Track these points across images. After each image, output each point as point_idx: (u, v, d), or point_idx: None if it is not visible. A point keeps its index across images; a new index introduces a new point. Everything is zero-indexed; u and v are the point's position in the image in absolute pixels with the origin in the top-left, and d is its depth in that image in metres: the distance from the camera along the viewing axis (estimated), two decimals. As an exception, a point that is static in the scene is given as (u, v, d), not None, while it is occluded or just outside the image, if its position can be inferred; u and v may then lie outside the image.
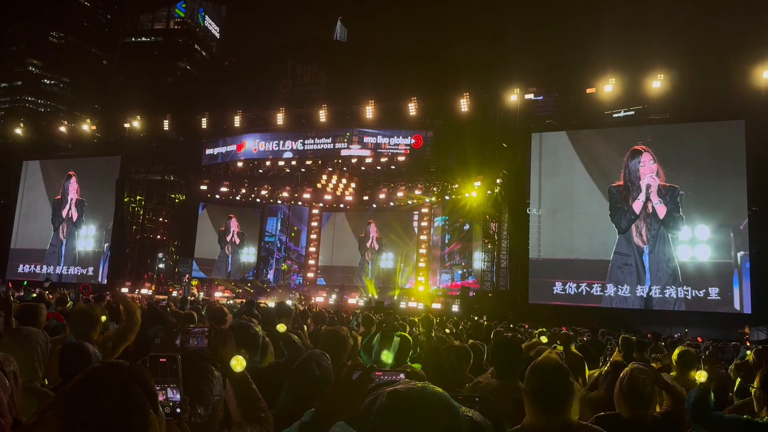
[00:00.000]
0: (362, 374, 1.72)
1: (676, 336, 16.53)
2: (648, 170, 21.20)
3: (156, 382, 1.53)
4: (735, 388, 4.85)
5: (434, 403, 1.18)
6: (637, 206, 21.19)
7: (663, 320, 20.13)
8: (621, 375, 3.38)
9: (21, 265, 31.49)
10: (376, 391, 1.24)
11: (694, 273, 20.26)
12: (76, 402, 1.23)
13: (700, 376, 3.51)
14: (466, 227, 29.96)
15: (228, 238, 34.62)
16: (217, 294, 28.00)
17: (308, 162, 28.69)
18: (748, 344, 14.94)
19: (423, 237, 32.73)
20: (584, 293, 21.43)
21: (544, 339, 6.58)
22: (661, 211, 20.88)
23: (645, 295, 20.66)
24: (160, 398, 1.52)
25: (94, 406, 1.22)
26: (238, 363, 2.11)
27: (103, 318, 4.77)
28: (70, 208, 31.07)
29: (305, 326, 6.87)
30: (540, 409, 2.50)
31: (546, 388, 2.51)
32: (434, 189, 30.13)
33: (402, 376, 1.62)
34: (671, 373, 4.95)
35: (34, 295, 11.53)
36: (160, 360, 1.61)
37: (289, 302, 16.86)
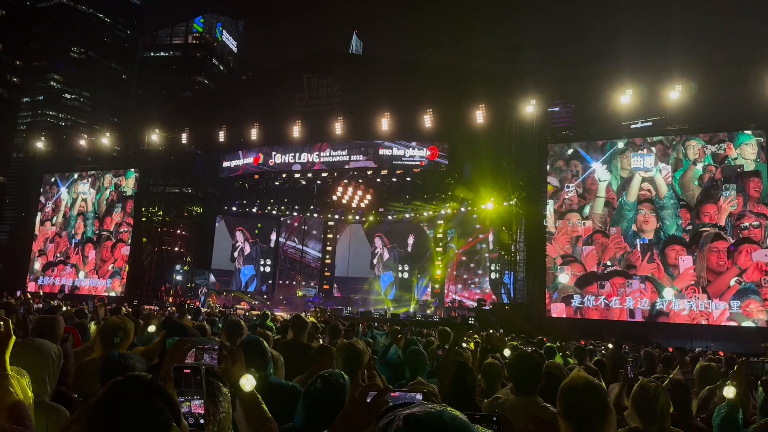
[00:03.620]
0: (377, 395, 1.66)
1: (697, 350, 16.22)
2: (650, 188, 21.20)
3: (179, 393, 1.54)
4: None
5: (452, 429, 1.10)
6: (650, 220, 20.97)
7: (684, 334, 19.77)
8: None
9: (41, 277, 31.88)
10: (391, 414, 1.16)
11: (716, 286, 19.89)
12: (98, 417, 1.24)
13: (729, 392, 3.39)
14: (480, 237, 29.77)
15: (237, 252, 34.80)
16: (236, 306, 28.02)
17: (324, 174, 28.78)
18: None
19: (438, 249, 32.60)
20: (603, 306, 21.14)
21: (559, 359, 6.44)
22: (667, 221, 20.66)
23: (665, 309, 20.32)
24: (184, 410, 1.50)
25: (116, 421, 1.23)
26: (247, 382, 2.05)
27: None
28: (89, 221, 31.39)
29: (319, 339, 6.81)
30: (573, 430, 2.44)
31: (577, 408, 2.46)
32: (450, 200, 30.03)
33: (419, 397, 1.56)
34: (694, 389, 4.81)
35: (65, 308, 11.53)
36: (184, 371, 1.60)
37: (304, 314, 16.79)
